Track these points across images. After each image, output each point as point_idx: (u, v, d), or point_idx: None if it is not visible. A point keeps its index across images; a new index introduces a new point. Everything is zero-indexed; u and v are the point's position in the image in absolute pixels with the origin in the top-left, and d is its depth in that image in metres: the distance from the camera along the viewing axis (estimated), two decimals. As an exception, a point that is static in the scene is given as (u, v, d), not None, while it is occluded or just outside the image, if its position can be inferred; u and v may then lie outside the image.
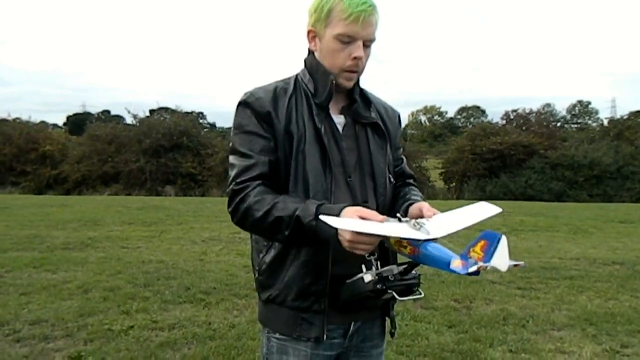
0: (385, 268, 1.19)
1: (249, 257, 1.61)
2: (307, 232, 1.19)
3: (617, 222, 11.47)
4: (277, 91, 1.38)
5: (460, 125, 59.43)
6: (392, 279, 1.17)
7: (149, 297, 4.63)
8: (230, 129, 1.43)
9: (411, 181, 1.60)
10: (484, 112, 61.71)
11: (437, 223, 1.19)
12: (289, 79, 1.44)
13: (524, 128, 28.39)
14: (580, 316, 4.27)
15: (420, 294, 1.22)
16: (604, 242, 8.34)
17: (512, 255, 1.02)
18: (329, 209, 1.18)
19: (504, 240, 1.01)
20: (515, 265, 1.04)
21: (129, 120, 30.49)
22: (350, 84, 1.39)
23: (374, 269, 1.19)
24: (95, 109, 67.24)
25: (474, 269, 1.02)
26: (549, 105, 42.82)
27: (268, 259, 1.36)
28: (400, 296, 1.18)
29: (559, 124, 40.52)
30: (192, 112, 34.77)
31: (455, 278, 5.19)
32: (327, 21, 1.32)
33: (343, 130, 1.40)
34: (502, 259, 1.01)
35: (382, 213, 1.23)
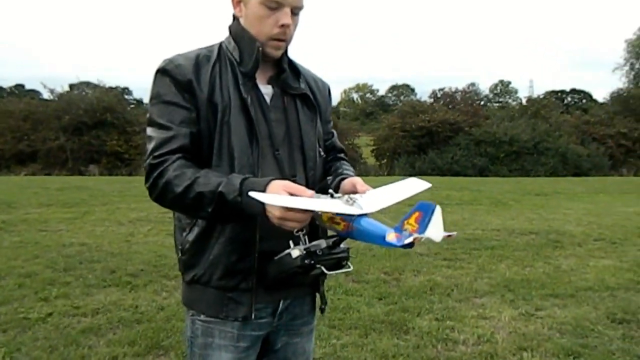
0: (313, 242, 1.16)
1: (174, 236, 1.51)
2: (232, 208, 1.13)
3: (533, 195, 12.34)
4: (199, 58, 1.29)
5: (390, 103, 60.69)
6: (320, 253, 1.14)
7: (70, 281, 4.38)
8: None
9: (342, 155, 1.58)
10: (413, 90, 63.60)
11: (370, 198, 1.17)
12: (212, 46, 1.35)
13: (450, 106, 29.56)
14: (500, 283, 4.54)
15: (349, 267, 1.20)
16: (521, 214, 8.91)
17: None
18: (254, 183, 1.13)
19: (438, 211, 1.00)
20: (448, 236, 1.02)
21: (46, 95, 28.68)
22: (278, 53, 1.32)
23: (301, 243, 1.15)
24: (7, 83, 62.12)
25: (409, 240, 1.00)
26: (473, 84, 44.65)
27: (191, 237, 1.28)
28: (329, 270, 1.16)
29: (482, 102, 42.56)
30: (117, 87, 33.26)
31: (385, 251, 5.33)
32: None
33: (270, 100, 1.34)
34: (436, 230, 1.00)
35: (311, 187, 1.20)
